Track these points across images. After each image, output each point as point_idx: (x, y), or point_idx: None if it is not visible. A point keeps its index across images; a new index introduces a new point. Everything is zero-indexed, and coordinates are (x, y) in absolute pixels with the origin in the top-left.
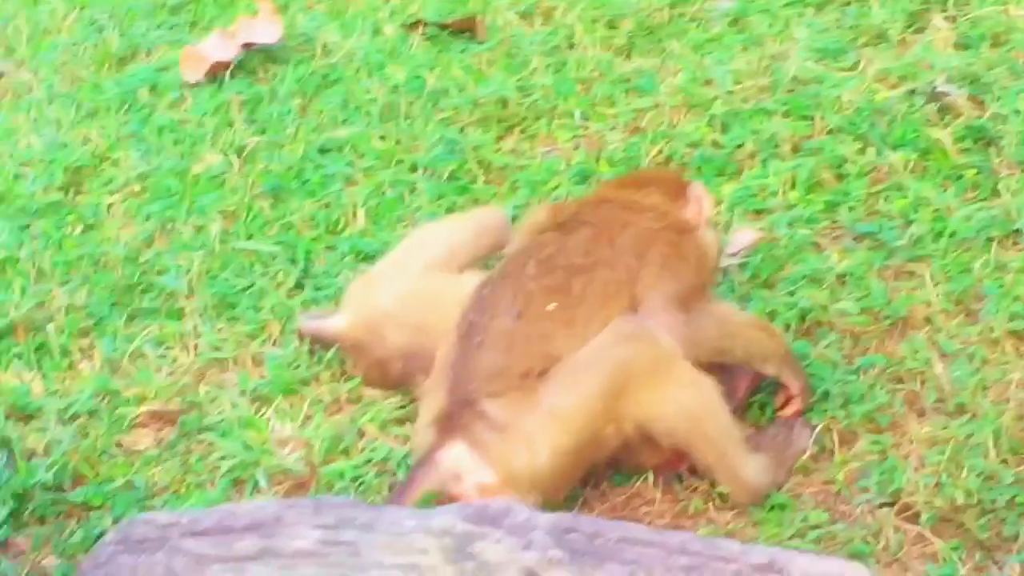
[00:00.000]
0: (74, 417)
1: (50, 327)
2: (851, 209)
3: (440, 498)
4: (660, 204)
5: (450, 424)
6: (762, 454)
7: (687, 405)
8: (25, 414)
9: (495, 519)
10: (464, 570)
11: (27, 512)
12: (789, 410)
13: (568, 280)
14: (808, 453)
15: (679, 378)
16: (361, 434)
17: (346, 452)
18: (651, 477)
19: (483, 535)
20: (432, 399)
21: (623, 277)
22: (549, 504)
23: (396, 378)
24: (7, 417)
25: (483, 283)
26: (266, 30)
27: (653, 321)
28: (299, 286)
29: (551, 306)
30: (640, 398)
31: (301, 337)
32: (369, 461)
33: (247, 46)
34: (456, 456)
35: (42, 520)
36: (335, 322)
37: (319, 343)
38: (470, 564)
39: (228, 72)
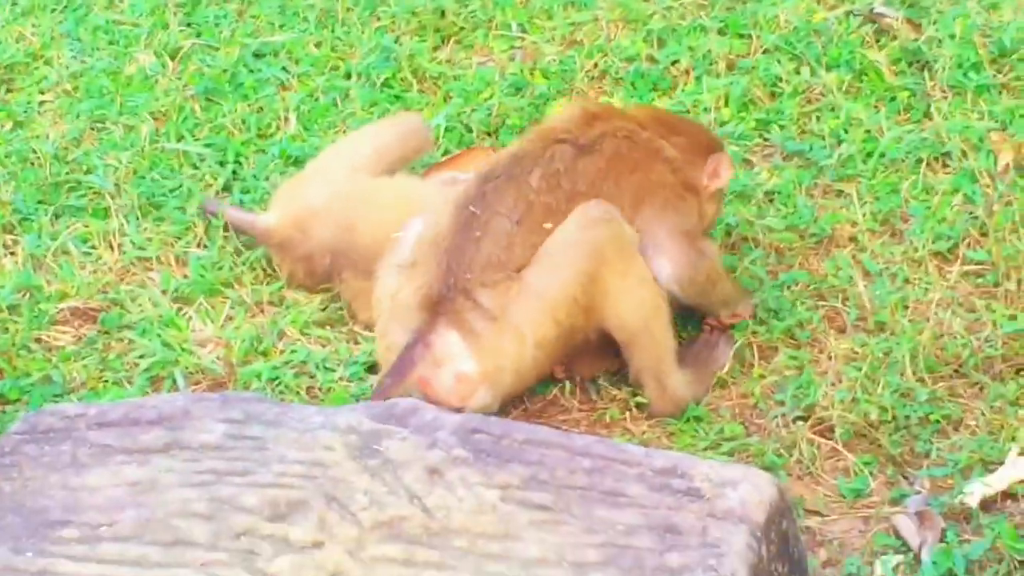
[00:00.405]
0: None
1: None
2: (782, 127)
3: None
4: (679, 159)
5: (442, 309)
6: (687, 368)
7: (644, 301)
8: None
9: (402, 418)
10: (368, 467)
11: None
12: (735, 320)
13: (567, 204)
14: (727, 367)
15: (639, 272)
16: (281, 336)
17: (265, 353)
18: (568, 386)
19: (389, 433)
20: (417, 280)
21: (630, 204)
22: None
23: (321, 275)
24: None
25: (486, 176)
26: None
27: (662, 253)
28: (227, 188)
29: (547, 225)
30: (609, 285)
31: (226, 227)
32: (288, 363)
33: None
34: (447, 343)
35: None
36: (264, 219)
37: (243, 235)
38: (374, 461)
39: None
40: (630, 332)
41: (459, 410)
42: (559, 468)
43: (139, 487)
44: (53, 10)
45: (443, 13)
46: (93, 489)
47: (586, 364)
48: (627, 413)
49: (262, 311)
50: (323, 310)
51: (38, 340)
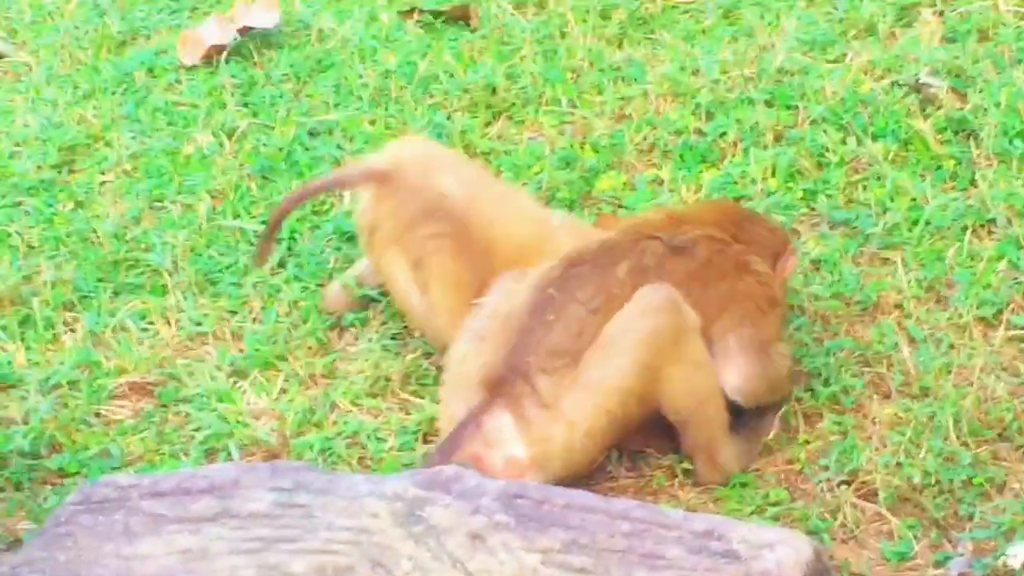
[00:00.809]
0: (55, 387)
1: (35, 300)
2: (829, 197)
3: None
4: (763, 272)
5: (501, 390)
6: (737, 439)
7: (698, 385)
8: (6, 384)
9: (446, 484)
10: (412, 533)
11: (2, 478)
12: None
13: None
14: (772, 434)
15: (695, 356)
16: (333, 407)
17: (318, 425)
18: (615, 454)
19: (433, 500)
20: (484, 354)
21: (701, 319)
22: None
23: (409, 220)
24: None
25: (573, 259)
26: (263, 15)
27: (730, 364)
28: (282, 264)
29: None
30: (663, 372)
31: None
32: (340, 433)
33: (244, 30)
34: (499, 426)
35: (18, 486)
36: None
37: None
38: (419, 527)
39: (224, 56)
40: (684, 415)
41: None
42: (599, 532)
43: (190, 555)
44: (113, 93)
45: (494, 90)
46: (145, 558)
47: (634, 439)
48: (674, 480)
49: (315, 383)
50: (375, 382)
51: (97, 414)
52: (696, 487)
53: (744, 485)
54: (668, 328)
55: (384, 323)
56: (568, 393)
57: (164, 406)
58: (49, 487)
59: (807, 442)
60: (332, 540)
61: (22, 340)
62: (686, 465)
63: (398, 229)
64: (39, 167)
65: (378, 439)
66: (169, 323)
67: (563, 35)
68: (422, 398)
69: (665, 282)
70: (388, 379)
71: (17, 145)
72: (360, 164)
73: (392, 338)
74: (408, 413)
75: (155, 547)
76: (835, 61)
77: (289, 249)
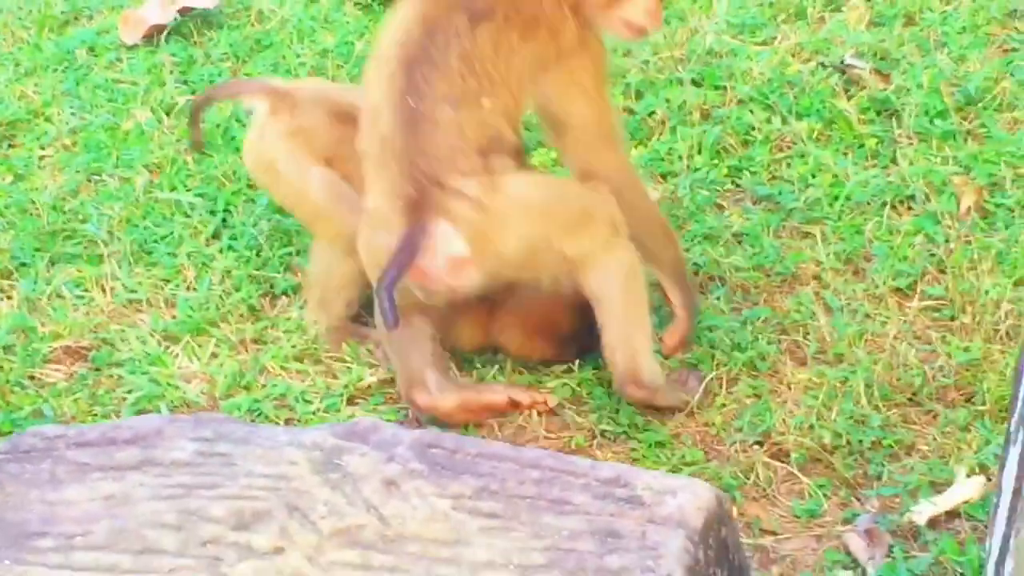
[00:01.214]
0: None
1: None
2: (753, 174)
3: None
4: (557, 17)
5: (424, 204)
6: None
7: (626, 272)
8: None
9: (363, 435)
10: (329, 480)
11: None
12: (673, 339)
13: (492, 85)
14: (696, 398)
15: (625, 247)
16: (263, 371)
17: (247, 387)
18: (535, 415)
19: (350, 449)
20: (382, 182)
21: (529, 77)
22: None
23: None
24: None
25: (410, 61)
26: None
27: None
28: (216, 235)
29: (484, 101)
30: (593, 241)
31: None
32: (268, 396)
33: (184, 11)
34: (439, 235)
35: None
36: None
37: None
38: (335, 475)
39: (164, 35)
40: (602, 294)
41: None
42: (509, 479)
43: (113, 500)
44: (55, 70)
45: None
46: (70, 503)
47: (519, 336)
48: (593, 441)
49: (246, 348)
50: (304, 349)
51: (31, 377)
52: (615, 444)
53: (661, 445)
54: (604, 208)
55: None
56: (499, 198)
57: (97, 369)
58: None
59: (724, 405)
60: (251, 486)
61: None
62: (605, 426)
63: (299, 128)
64: None
65: (305, 401)
66: (104, 291)
67: None
68: (349, 363)
69: (487, 64)
70: (316, 345)
71: None
72: (258, 80)
73: None
74: (335, 377)
75: (79, 493)
76: (764, 43)
77: (224, 221)
